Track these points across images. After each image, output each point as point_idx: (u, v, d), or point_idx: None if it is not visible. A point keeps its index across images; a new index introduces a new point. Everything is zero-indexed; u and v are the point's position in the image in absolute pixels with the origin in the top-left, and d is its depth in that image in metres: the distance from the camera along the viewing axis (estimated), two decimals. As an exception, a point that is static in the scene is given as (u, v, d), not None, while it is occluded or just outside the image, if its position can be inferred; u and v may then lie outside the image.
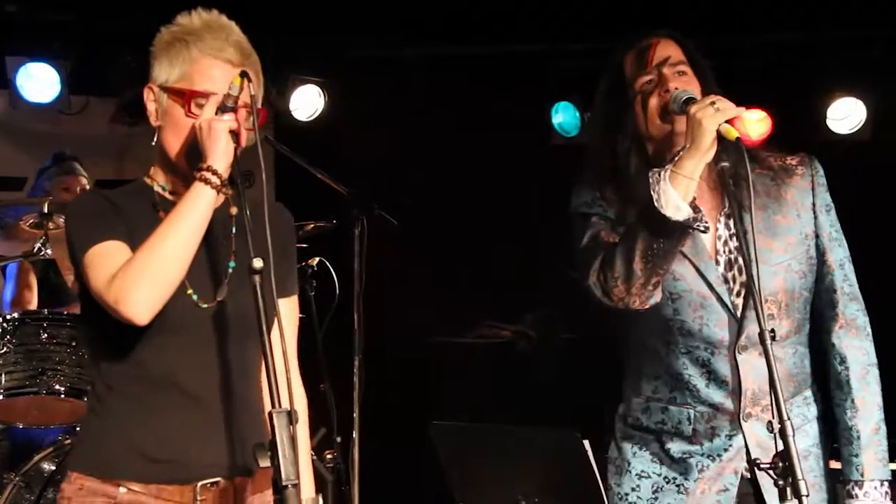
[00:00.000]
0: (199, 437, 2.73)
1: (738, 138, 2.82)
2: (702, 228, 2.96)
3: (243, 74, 2.69)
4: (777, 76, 6.61)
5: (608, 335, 3.34)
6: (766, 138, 6.65)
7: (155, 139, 2.82)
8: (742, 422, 3.09)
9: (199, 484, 2.72)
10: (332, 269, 5.11)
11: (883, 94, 6.53)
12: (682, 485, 3.11)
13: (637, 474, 3.18)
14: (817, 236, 3.18)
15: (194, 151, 2.71)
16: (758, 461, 2.62)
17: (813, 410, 3.21)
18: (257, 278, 2.51)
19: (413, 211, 5.29)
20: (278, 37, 6.46)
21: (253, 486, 2.78)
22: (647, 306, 3.03)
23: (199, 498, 2.72)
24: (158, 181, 2.84)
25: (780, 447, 2.58)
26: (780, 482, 2.55)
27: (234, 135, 2.67)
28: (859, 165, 6.57)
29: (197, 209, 2.65)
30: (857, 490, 3.10)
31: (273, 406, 2.45)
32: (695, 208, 2.93)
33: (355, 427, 4.78)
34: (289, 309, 2.93)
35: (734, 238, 3.10)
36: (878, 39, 6.56)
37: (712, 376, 3.09)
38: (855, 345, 3.16)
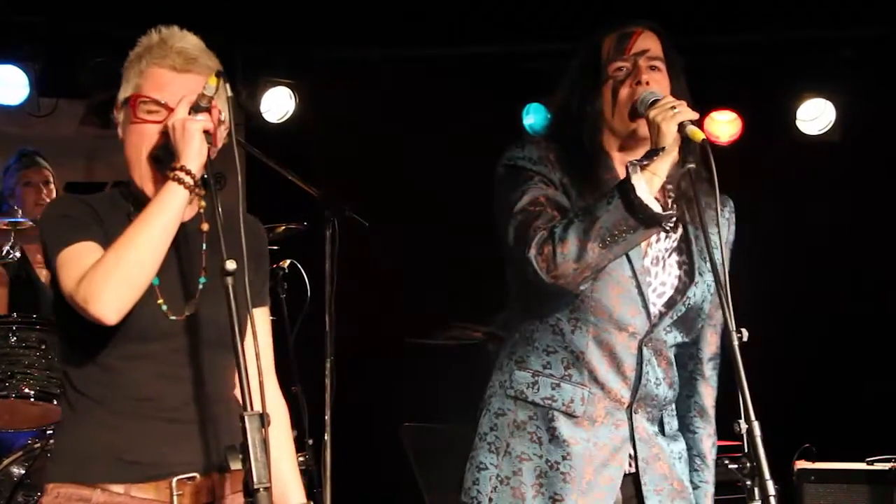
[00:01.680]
0: (170, 439, 2.72)
1: (704, 139, 2.83)
2: (668, 228, 2.98)
3: (219, 74, 2.68)
4: (747, 77, 6.64)
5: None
6: (736, 139, 6.69)
7: (127, 158, 2.81)
8: (633, 413, 3.10)
9: (176, 479, 2.70)
10: (303, 272, 5.10)
11: (852, 95, 6.57)
12: (568, 473, 3.05)
13: (517, 456, 3.10)
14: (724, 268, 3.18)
15: (163, 154, 2.70)
16: (725, 461, 2.63)
17: (676, 423, 3.26)
18: (230, 280, 2.51)
19: (380, 216, 5.28)
20: (248, 39, 6.46)
21: (231, 484, 2.76)
22: (578, 290, 3.00)
23: (175, 493, 2.70)
24: (133, 192, 2.83)
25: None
26: (748, 482, 2.56)
27: (208, 135, 2.66)
28: (829, 166, 6.62)
29: (169, 209, 2.64)
30: None
31: (245, 409, 2.45)
32: (665, 206, 2.94)
33: (327, 429, 4.78)
34: (263, 318, 2.93)
35: (667, 240, 3.13)
36: (847, 40, 6.61)
37: (614, 361, 3.08)
38: (716, 378, 3.26)
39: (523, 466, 3.09)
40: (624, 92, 3.08)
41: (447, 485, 3.71)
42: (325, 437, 4.78)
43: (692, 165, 2.88)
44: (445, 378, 6.15)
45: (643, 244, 3.07)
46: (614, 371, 3.08)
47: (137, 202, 2.78)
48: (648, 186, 2.89)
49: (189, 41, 2.80)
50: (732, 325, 2.65)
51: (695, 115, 2.90)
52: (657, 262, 3.13)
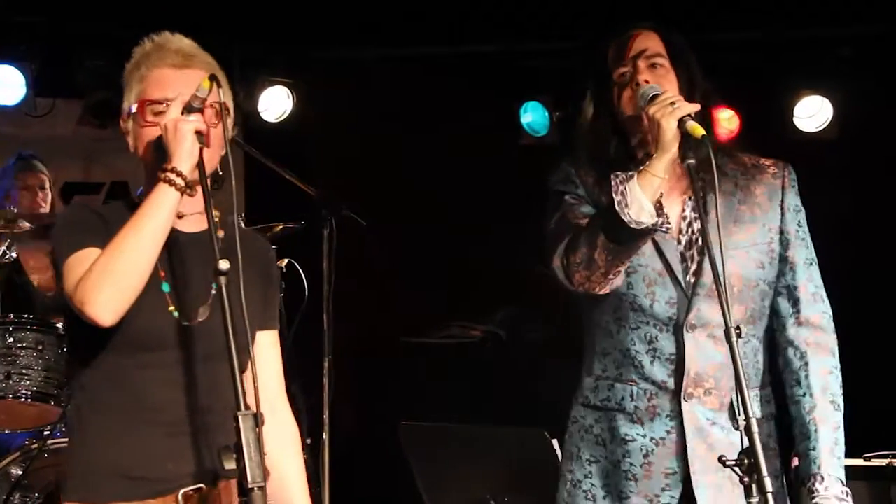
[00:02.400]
0: (176, 452, 2.73)
1: (704, 135, 2.83)
2: (663, 230, 2.97)
3: (212, 78, 2.68)
4: (744, 75, 6.63)
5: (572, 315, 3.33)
6: (734, 136, 6.68)
7: (143, 168, 2.81)
8: (683, 401, 3.09)
9: (182, 492, 2.71)
10: (301, 271, 5.10)
11: (850, 93, 6.56)
12: (629, 470, 3.10)
13: (587, 459, 3.18)
14: (782, 233, 3.17)
15: (160, 154, 2.70)
16: (723, 457, 2.62)
17: (760, 409, 3.16)
18: (223, 280, 2.50)
19: (378, 216, 5.28)
20: (246, 39, 6.46)
21: (238, 492, 2.76)
22: (606, 291, 3.03)
23: None
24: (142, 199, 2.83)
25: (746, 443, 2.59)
26: (745, 479, 2.56)
27: (201, 135, 2.66)
28: (826, 163, 6.62)
29: (160, 210, 2.63)
30: (817, 484, 3.07)
31: (239, 408, 2.45)
32: (658, 211, 2.94)
33: (325, 428, 4.77)
34: (273, 342, 2.94)
35: (698, 220, 3.10)
36: (845, 38, 6.60)
37: (657, 353, 3.09)
38: (820, 342, 3.14)
39: (593, 469, 3.17)
40: (626, 94, 3.09)
41: (446, 484, 3.72)
42: (324, 437, 4.78)
43: (692, 161, 2.88)
44: (443, 377, 6.16)
45: (675, 229, 3.09)
46: (660, 363, 3.10)
47: None
48: (648, 189, 2.90)
49: (184, 41, 2.81)
50: (730, 321, 2.64)
51: (695, 108, 2.91)
52: (691, 245, 3.12)
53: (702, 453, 3.09)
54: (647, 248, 3.07)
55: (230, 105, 2.78)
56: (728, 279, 3.04)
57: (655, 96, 2.96)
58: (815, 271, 3.20)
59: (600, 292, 3.03)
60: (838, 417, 3.12)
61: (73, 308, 2.62)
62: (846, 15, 6.44)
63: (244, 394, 2.47)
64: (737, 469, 2.58)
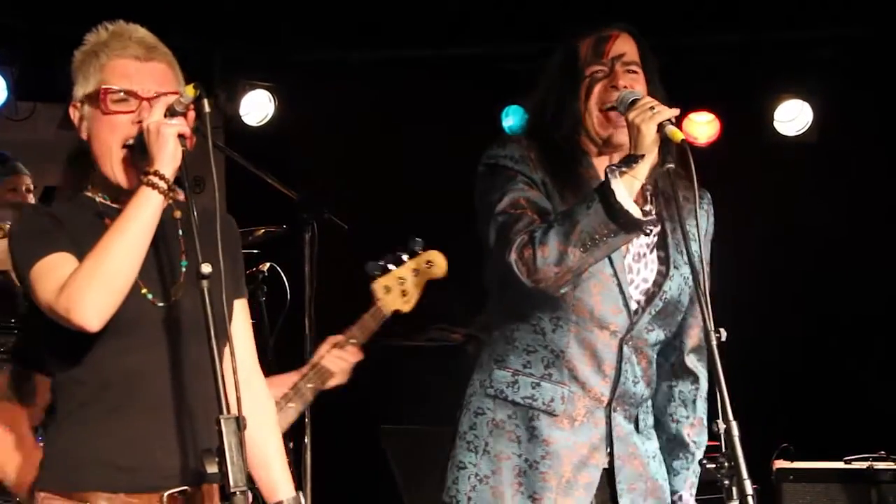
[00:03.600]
0: (162, 441, 2.71)
1: (683, 140, 2.84)
2: (648, 231, 2.99)
3: (197, 86, 2.67)
4: (724, 78, 6.66)
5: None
6: (714, 140, 6.71)
7: (93, 157, 2.80)
8: (612, 411, 3.12)
9: (167, 494, 2.69)
10: (282, 275, 5.10)
11: (829, 96, 6.59)
12: (547, 472, 3.07)
13: (496, 455, 3.12)
14: (701, 262, 3.20)
15: (138, 148, 2.70)
16: (703, 461, 2.64)
17: (651, 420, 3.27)
18: (205, 283, 2.51)
19: (363, 214, 5.28)
20: (227, 42, 6.45)
21: (221, 493, 2.75)
22: (560, 293, 3.01)
23: None
24: (99, 193, 2.82)
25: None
26: (726, 482, 2.57)
27: (183, 139, 2.66)
28: (806, 167, 6.65)
29: (144, 214, 2.63)
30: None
31: (221, 412, 2.45)
32: (644, 212, 2.95)
33: (307, 431, 4.77)
34: (242, 310, 2.93)
35: (653, 236, 3.14)
36: (825, 41, 6.63)
37: (595, 359, 3.10)
38: (704, 368, 3.25)
39: (502, 465, 3.11)
40: (597, 89, 3.11)
41: (427, 487, 3.72)
42: (305, 440, 4.78)
43: (671, 165, 2.89)
44: (425, 380, 6.15)
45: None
46: (594, 369, 3.10)
47: (106, 205, 2.78)
48: (628, 190, 2.91)
49: (143, 31, 2.81)
50: (711, 325, 2.66)
51: (674, 113, 2.92)
52: (638, 259, 3.15)
53: (626, 461, 3.14)
54: None
55: (177, 79, 2.80)
56: (668, 304, 3.10)
57: (635, 101, 2.97)
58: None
59: (554, 293, 3.00)
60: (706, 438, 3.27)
61: (55, 315, 2.60)
62: (826, 18, 6.47)
63: (226, 393, 2.47)
64: (717, 472, 2.60)
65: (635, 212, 2.89)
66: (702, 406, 3.25)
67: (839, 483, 5.08)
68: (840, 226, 6.61)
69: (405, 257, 4.03)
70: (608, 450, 3.12)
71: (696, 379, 3.26)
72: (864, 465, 5.07)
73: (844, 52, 6.58)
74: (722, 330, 2.68)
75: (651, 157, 2.92)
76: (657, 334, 3.17)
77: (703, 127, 6.70)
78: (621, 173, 2.91)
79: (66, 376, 2.74)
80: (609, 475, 3.13)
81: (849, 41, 6.60)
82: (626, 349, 3.11)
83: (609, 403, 3.12)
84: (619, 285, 3.09)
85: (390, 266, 4.01)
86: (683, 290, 3.17)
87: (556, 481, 3.07)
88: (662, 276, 3.15)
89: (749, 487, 2.56)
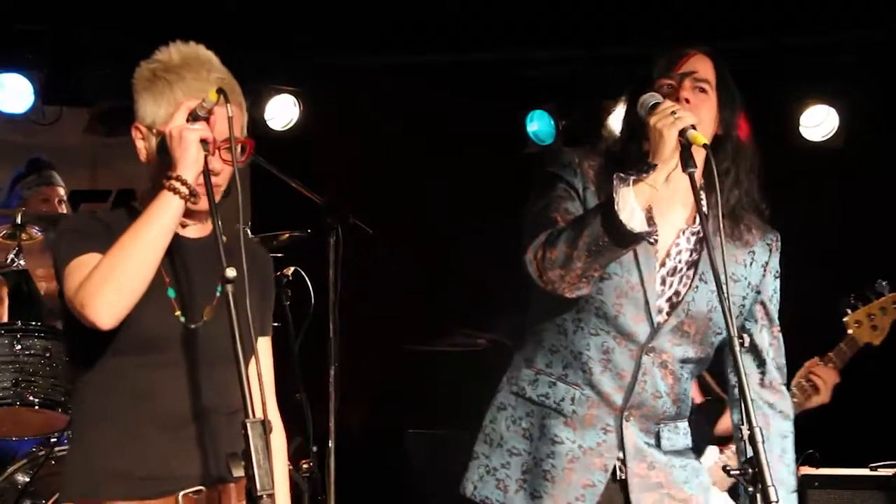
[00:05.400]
0: (180, 451, 2.74)
1: (705, 144, 2.83)
2: (651, 241, 2.98)
3: (220, 91, 2.67)
4: (749, 84, 6.61)
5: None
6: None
7: (150, 179, 2.80)
8: (623, 420, 3.11)
9: (182, 493, 2.72)
10: (307, 279, 5.11)
11: (855, 101, 6.56)
12: (550, 471, 3.09)
13: (508, 449, 3.16)
14: (758, 292, 3.20)
15: (160, 153, 2.72)
16: (728, 467, 2.63)
17: (685, 442, 3.23)
18: (230, 287, 2.52)
19: (386, 222, 5.29)
20: (253, 47, 6.46)
21: (237, 494, 2.77)
22: (573, 296, 3.01)
23: None
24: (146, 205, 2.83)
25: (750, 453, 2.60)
26: (750, 488, 2.56)
27: (206, 143, 2.67)
28: (832, 172, 6.62)
29: (163, 217, 2.65)
30: None
31: (247, 416, 2.47)
32: (649, 221, 2.94)
33: (331, 436, 4.78)
34: (266, 348, 2.96)
35: (691, 254, 3.12)
36: (850, 46, 6.60)
37: (611, 365, 3.09)
38: (778, 405, 3.22)
39: (512, 461, 3.15)
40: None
41: (452, 491, 3.72)
42: (329, 444, 4.79)
43: (693, 170, 2.88)
44: (449, 385, 6.16)
45: (662, 252, 3.10)
46: (610, 375, 3.10)
47: None
48: (640, 197, 2.90)
49: (219, 67, 2.79)
50: (734, 331, 2.65)
51: (695, 121, 2.90)
52: (673, 273, 3.13)
53: (641, 473, 3.11)
54: (628, 258, 3.06)
55: (244, 121, 2.78)
56: (698, 317, 3.08)
57: (656, 105, 2.96)
58: (781, 339, 3.26)
59: (568, 296, 3.01)
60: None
61: (74, 311, 2.64)
62: (851, 22, 6.44)
63: (251, 399, 2.49)
64: (741, 479, 2.59)
65: (637, 222, 2.88)
66: (773, 445, 3.17)
67: (865, 490, 5.05)
68: (866, 230, 6.58)
69: (873, 297, 4.83)
70: (621, 458, 3.11)
71: (764, 416, 3.20)
72: (890, 471, 5.04)
73: (870, 57, 6.55)
74: (745, 336, 2.68)
75: (671, 164, 2.90)
76: (685, 350, 3.14)
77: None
78: (635, 181, 2.91)
79: (93, 383, 2.77)
80: (623, 485, 3.12)
81: (874, 46, 6.56)
82: (646, 360, 3.10)
83: (622, 412, 3.11)
84: (645, 294, 3.08)
85: (860, 303, 4.83)
86: (714, 307, 3.12)
87: (556, 481, 3.08)
88: (688, 287, 3.14)
89: (774, 494, 2.55)
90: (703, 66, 3.13)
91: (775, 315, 3.24)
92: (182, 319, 2.74)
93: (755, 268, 3.18)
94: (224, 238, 2.64)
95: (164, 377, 2.74)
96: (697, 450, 3.31)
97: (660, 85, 3.10)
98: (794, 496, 3.21)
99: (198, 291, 2.79)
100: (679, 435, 3.22)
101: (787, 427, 3.23)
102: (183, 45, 2.81)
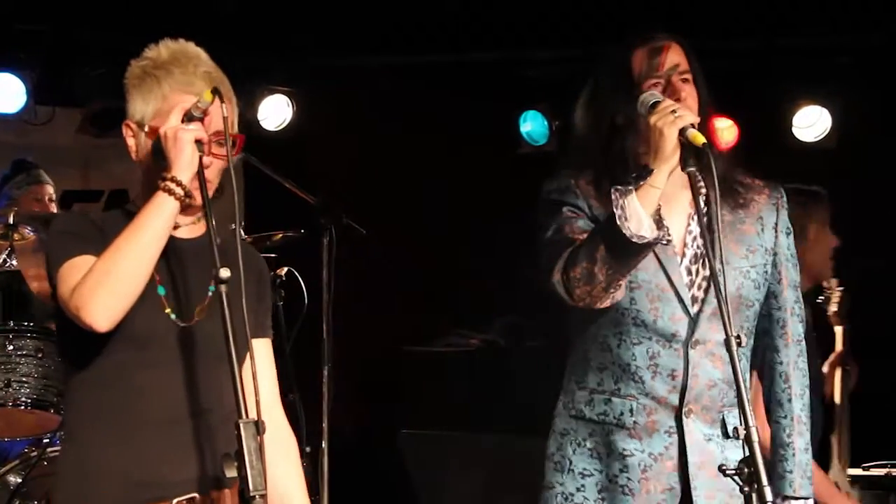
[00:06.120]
0: (175, 454, 2.72)
1: (705, 143, 2.83)
2: (664, 242, 2.98)
3: (214, 91, 2.67)
4: (743, 84, 6.64)
5: (559, 327, 3.32)
6: (732, 146, 6.69)
7: (142, 177, 2.80)
8: (683, 417, 3.10)
9: (175, 501, 2.71)
10: (300, 279, 5.10)
11: (848, 102, 6.57)
12: (626, 485, 3.08)
13: (580, 472, 3.15)
14: (775, 254, 3.20)
15: (155, 154, 2.71)
16: (723, 466, 2.63)
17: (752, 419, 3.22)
18: (224, 288, 2.52)
19: (380, 222, 5.29)
20: (246, 47, 6.46)
21: (231, 499, 2.75)
22: (607, 305, 3.03)
23: None
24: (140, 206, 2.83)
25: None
26: (746, 488, 2.56)
27: (200, 144, 2.66)
28: (825, 173, 6.62)
29: (158, 219, 2.64)
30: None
31: (240, 416, 2.46)
32: (658, 223, 2.94)
33: (324, 437, 4.78)
34: (266, 350, 2.94)
35: (703, 235, 3.12)
36: (844, 48, 6.61)
37: (660, 369, 3.09)
38: (800, 365, 3.21)
39: (586, 482, 3.14)
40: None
41: (445, 491, 3.72)
42: (323, 445, 4.78)
43: (692, 169, 2.88)
44: (443, 386, 6.16)
45: (678, 243, 3.10)
46: (661, 379, 3.09)
47: None
48: (646, 201, 2.90)
49: (207, 62, 2.79)
50: (731, 329, 2.65)
51: (696, 120, 2.91)
52: (695, 260, 3.13)
53: (702, 469, 3.10)
54: (652, 263, 3.07)
55: (234, 118, 2.77)
56: (729, 297, 3.07)
57: (656, 104, 2.95)
58: (798, 293, 3.25)
59: (601, 306, 3.02)
60: (808, 438, 3.21)
61: (69, 313, 2.63)
62: (845, 24, 6.46)
63: (245, 400, 2.48)
64: (737, 478, 2.59)
65: (647, 229, 2.88)
66: (798, 405, 3.19)
67: (858, 490, 5.07)
68: (858, 231, 6.58)
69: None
70: (682, 457, 3.10)
71: (787, 377, 3.20)
72: (882, 471, 5.06)
73: (863, 58, 6.56)
74: (743, 336, 2.69)
75: (672, 162, 2.90)
76: (729, 323, 3.10)
77: (721, 132, 6.68)
78: (636, 187, 2.91)
79: (85, 384, 2.76)
80: (685, 482, 3.11)
81: (867, 47, 6.58)
82: (692, 354, 3.09)
83: (679, 411, 3.11)
84: (677, 292, 3.09)
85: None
86: (744, 284, 3.13)
87: (636, 494, 3.08)
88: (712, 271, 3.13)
89: (769, 494, 2.55)
90: (680, 57, 3.13)
91: (794, 273, 3.22)
92: (173, 317, 2.73)
93: (767, 232, 3.18)
94: (218, 239, 2.64)
95: (156, 376, 2.72)
96: None
97: (650, 85, 3.09)
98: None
99: (190, 290, 2.77)
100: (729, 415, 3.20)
101: (805, 384, 3.23)
102: (172, 42, 2.81)
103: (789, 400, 3.19)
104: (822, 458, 4.63)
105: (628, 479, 3.09)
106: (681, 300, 3.09)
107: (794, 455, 3.18)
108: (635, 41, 3.15)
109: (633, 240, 2.87)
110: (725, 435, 3.15)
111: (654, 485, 3.08)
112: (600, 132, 3.15)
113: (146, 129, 2.76)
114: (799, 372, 3.21)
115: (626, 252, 2.92)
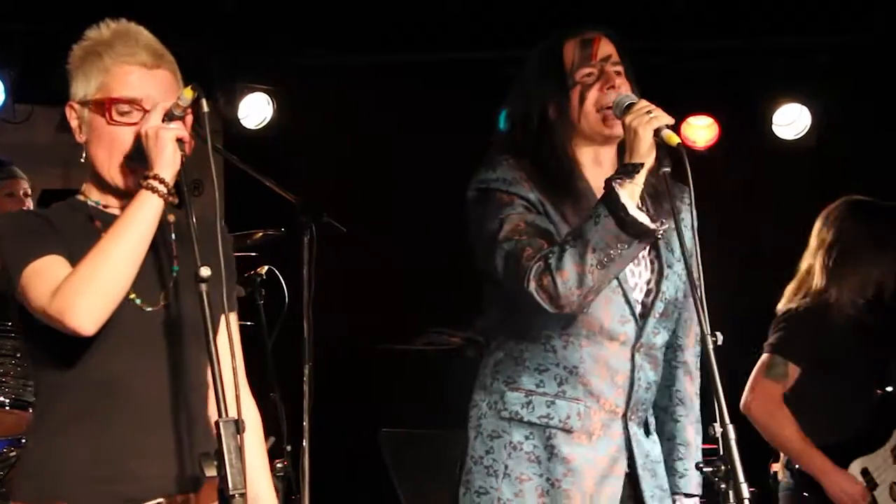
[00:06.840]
0: (145, 448, 2.69)
1: (679, 143, 2.84)
2: (660, 236, 2.98)
3: (195, 88, 2.66)
4: (723, 82, 6.67)
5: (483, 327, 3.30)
6: (713, 144, 6.71)
7: (83, 156, 2.80)
8: (629, 421, 3.11)
9: None
10: (280, 278, 5.09)
11: (828, 101, 6.60)
12: (570, 489, 3.06)
13: (517, 477, 3.08)
14: (691, 255, 3.19)
15: (135, 155, 2.70)
16: (699, 464, 2.64)
17: (653, 420, 3.27)
18: (204, 286, 2.51)
19: (361, 218, 5.28)
20: (226, 45, 6.45)
21: (204, 499, 2.73)
22: (583, 311, 3.02)
23: None
24: (92, 197, 2.81)
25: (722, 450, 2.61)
26: (723, 486, 2.57)
27: (182, 143, 2.65)
28: (804, 171, 6.66)
29: (143, 218, 2.63)
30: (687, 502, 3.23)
31: (220, 415, 2.44)
32: (651, 216, 2.95)
33: (305, 436, 4.77)
34: (235, 323, 2.92)
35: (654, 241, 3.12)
36: (823, 46, 6.64)
37: (608, 372, 3.08)
38: (698, 365, 3.27)
39: (524, 487, 3.08)
40: (592, 96, 3.08)
41: (425, 490, 3.72)
42: (304, 444, 4.77)
43: (667, 169, 2.89)
44: (423, 384, 6.15)
45: None
46: (608, 382, 3.09)
47: (98, 210, 2.77)
48: (631, 198, 2.90)
49: (148, 35, 2.79)
50: (707, 328, 2.66)
51: (671, 121, 2.91)
52: (637, 262, 3.14)
53: (646, 469, 3.14)
54: None
55: (178, 86, 2.77)
56: (670, 304, 3.10)
57: (631, 105, 2.96)
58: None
59: (581, 311, 3.00)
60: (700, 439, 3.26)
61: (47, 319, 2.59)
62: (825, 23, 6.48)
63: (225, 396, 2.46)
64: (714, 476, 2.60)
65: (645, 219, 2.89)
66: (698, 404, 3.26)
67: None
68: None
69: None
70: (628, 459, 3.12)
71: (693, 378, 3.27)
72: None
73: (843, 57, 6.59)
74: (718, 334, 2.68)
75: (648, 162, 2.91)
76: (663, 337, 3.18)
77: (701, 131, 6.70)
78: (620, 184, 2.91)
79: (49, 381, 2.72)
80: (631, 481, 3.13)
81: (847, 46, 6.60)
82: (637, 357, 3.11)
83: (625, 414, 3.12)
84: (625, 294, 3.09)
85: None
86: (679, 288, 3.18)
87: (579, 497, 3.06)
88: (659, 276, 3.15)
89: (746, 491, 2.56)
90: (612, 50, 3.15)
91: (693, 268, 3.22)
92: (138, 302, 2.70)
93: (686, 233, 3.17)
94: (171, 217, 2.65)
95: (123, 366, 2.68)
96: None
97: (583, 75, 3.10)
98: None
99: (150, 273, 2.73)
100: (651, 415, 3.26)
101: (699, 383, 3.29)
102: (113, 21, 2.82)
103: (692, 399, 3.26)
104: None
105: (572, 482, 3.06)
106: (628, 302, 3.09)
107: (692, 454, 3.24)
108: (566, 33, 3.17)
109: (641, 222, 2.85)
110: (647, 433, 3.19)
111: (597, 487, 3.07)
112: (532, 122, 3.15)
113: (90, 104, 2.74)
114: (698, 371, 3.26)
115: (628, 241, 2.89)
